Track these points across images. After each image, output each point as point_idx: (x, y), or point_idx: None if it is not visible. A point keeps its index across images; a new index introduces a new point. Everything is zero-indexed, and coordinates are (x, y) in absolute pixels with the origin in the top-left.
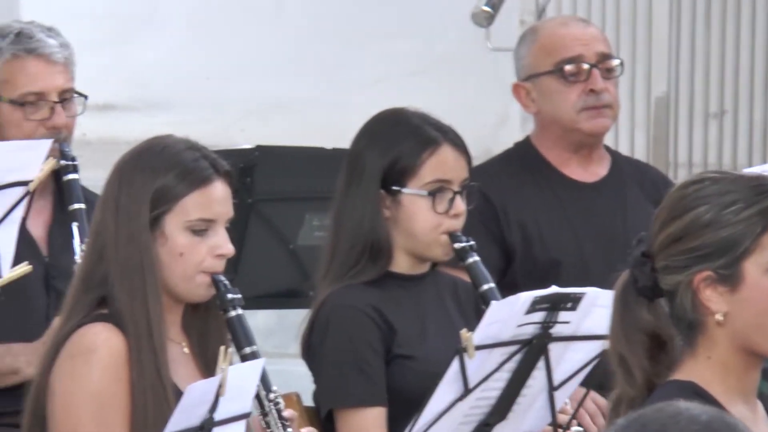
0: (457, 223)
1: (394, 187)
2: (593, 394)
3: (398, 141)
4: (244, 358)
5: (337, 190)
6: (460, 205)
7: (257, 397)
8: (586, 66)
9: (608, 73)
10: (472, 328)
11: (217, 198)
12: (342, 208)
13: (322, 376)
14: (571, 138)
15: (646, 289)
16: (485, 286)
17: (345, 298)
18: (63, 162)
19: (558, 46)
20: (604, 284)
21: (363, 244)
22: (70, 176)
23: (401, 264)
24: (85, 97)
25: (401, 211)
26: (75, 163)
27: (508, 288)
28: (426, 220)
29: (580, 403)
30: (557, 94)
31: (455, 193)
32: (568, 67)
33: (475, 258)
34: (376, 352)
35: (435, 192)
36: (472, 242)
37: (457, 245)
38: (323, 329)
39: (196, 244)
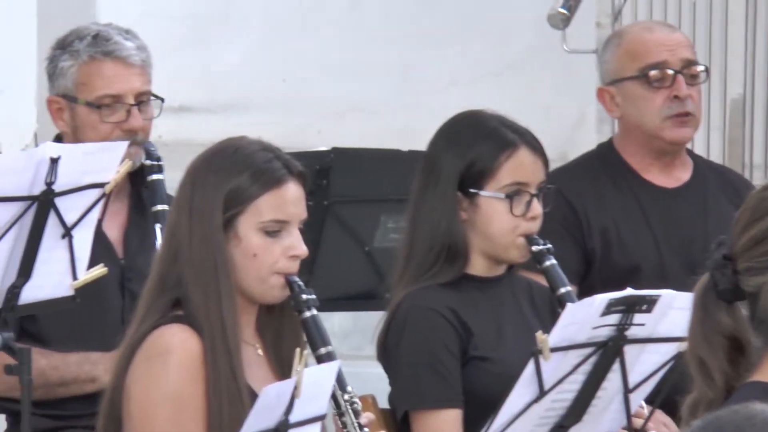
0: (534, 226)
1: (472, 190)
2: (659, 412)
3: (476, 143)
4: (320, 359)
5: (413, 191)
6: (537, 207)
7: (333, 397)
8: (670, 72)
9: (692, 79)
10: (547, 330)
11: (290, 199)
12: (418, 210)
13: (398, 378)
14: (653, 144)
15: (726, 291)
16: (562, 290)
17: (422, 300)
18: (148, 162)
19: (643, 51)
20: (683, 289)
21: (440, 246)
22: (155, 176)
23: (478, 266)
24: (162, 99)
25: (478, 213)
26: (160, 163)
27: (587, 292)
28: (503, 223)
29: (646, 421)
30: (642, 99)
31: (532, 195)
32: (652, 73)
33: (552, 261)
34: (451, 353)
35: (512, 195)
36: (549, 245)
37: (534, 248)
38: (399, 331)
39: (269, 245)
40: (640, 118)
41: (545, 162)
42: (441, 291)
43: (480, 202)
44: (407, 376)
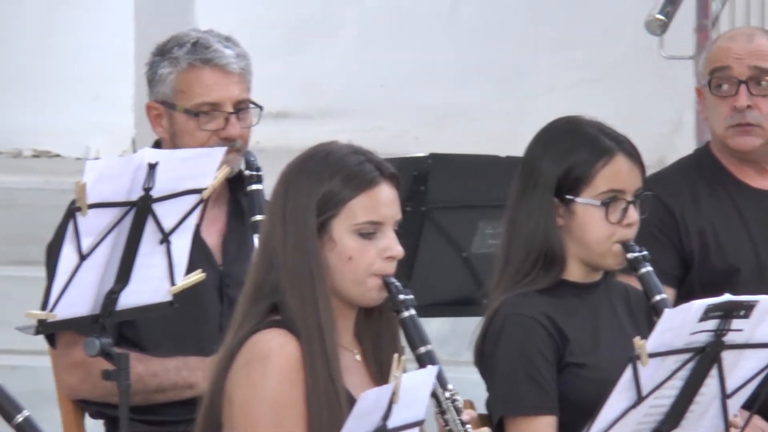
0: (630, 233)
1: (568, 196)
2: (757, 418)
3: (573, 150)
4: (419, 358)
5: (511, 197)
6: (633, 214)
7: (434, 395)
8: (734, 81)
9: (758, 87)
10: (643, 336)
11: (383, 200)
12: (516, 216)
13: (494, 384)
14: (727, 150)
15: None
16: (657, 297)
17: (518, 307)
18: (248, 172)
19: (714, 58)
20: None
21: (537, 252)
22: (254, 187)
23: (574, 272)
24: (261, 108)
25: (574, 220)
26: (260, 173)
27: (685, 296)
28: (598, 230)
29: (744, 427)
30: (713, 106)
31: (628, 202)
32: (717, 81)
33: (647, 268)
34: (547, 360)
35: (608, 202)
36: (645, 252)
37: (630, 255)
38: (496, 337)
39: (365, 247)
40: (711, 123)
41: (642, 169)
42: (538, 297)
43: (576, 208)
44: (503, 383)
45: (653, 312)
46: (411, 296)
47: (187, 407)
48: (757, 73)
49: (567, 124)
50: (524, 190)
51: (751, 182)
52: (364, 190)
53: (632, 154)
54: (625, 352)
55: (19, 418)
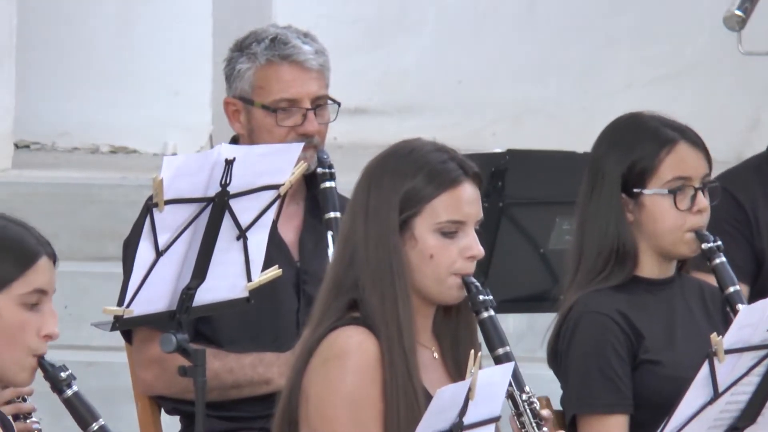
0: (701, 219)
1: (636, 190)
2: None
3: (636, 144)
4: (497, 360)
5: (580, 197)
6: (703, 200)
7: (511, 397)
8: None
9: None
10: (719, 332)
11: (466, 199)
12: (586, 215)
13: (568, 382)
14: None
15: None
16: (731, 288)
17: (592, 304)
18: (320, 170)
19: None
20: None
21: (608, 250)
22: (327, 184)
23: (647, 268)
24: (339, 104)
25: (644, 212)
26: (332, 171)
27: (759, 294)
28: (670, 219)
29: None
30: None
31: (696, 189)
32: None
33: (721, 259)
34: (622, 358)
35: (675, 190)
36: (719, 242)
37: (704, 245)
38: (570, 335)
39: (446, 246)
40: None
41: (707, 156)
42: (611, 294)
43: (645, 201)
44: (577, 381)
45: (726, 303)
46: (490, 297)
47: (263, 403)
48: None
49: (628, 119)
50: (592, 188)
51: None
52: (447, 188)
53: (695, 141)
54: (701, 348)
55: (95, 427)
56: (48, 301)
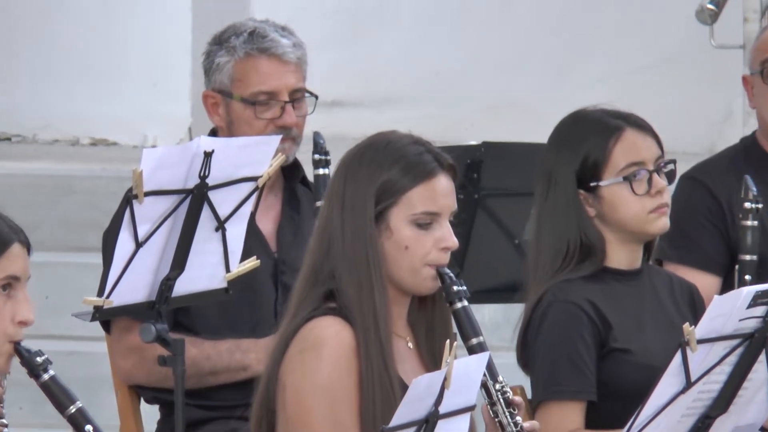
0: (662, 199)
1: (592, 184)
2: None
3: (584, 139)
4: (471, 350)
5: (535, 198)
6: (659, 181)
7: (485, 386)
8: None
9: None
10: (689, 322)
11: (441, 191)
12: (542, 216)
13: (536, 370)
14: None
15: None
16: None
17: (561, 294)
18: (316, 156)
19: (765, 47)
20: None
21: (570, 247)
22: (321, 171)
23: (616, 259)
24: (316, 96)
25: (604, 204)
26: (328, 158)
27: (731, 284)
28: (630, 205)
29: None
30: (763, 95)
31: (650, 172)
32: (765, 70)
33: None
34: (589, 346)
35: (631, 176)
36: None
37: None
38: (539, 324)
39: (421, 237)
40: (761, 112)
41: (657, 138)
42: (581, 284)
43: (603, 193)
44: (545, 368)
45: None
46: (464, 288)
47: (242, 392)
48: None
49: (571, 118)
50: (546, 190)
51: None
52: (422, 180)
53: (642, 125)
54: (670, 337)
55: (72, 409)
56: (22, 287)
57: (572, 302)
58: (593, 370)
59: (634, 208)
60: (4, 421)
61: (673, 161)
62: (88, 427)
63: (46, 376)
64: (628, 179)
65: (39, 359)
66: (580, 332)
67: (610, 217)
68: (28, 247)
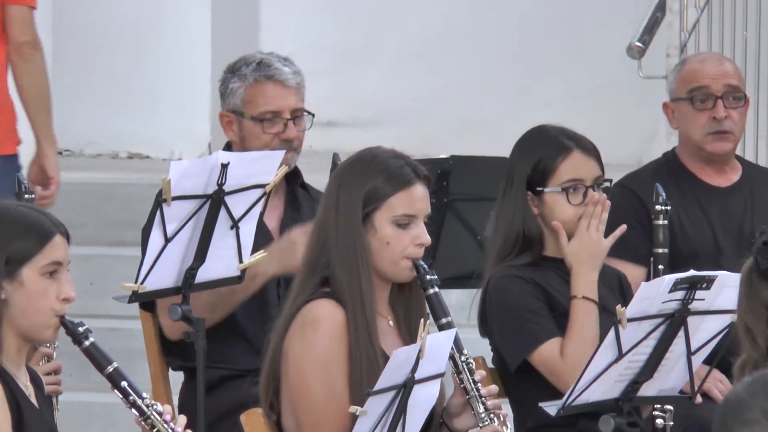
0: (597, 210)
1: (538, 188)
2: (715, 371)
3: (539, 151)
4: (441, 327)
5: (498, 195)
6: (594, 195)
7: (452, 358)
8: (712, 97)
9: (735, 102)
10: (619, 304)
11: (417, 197)
12: (500, 209)
13: (503, 337)
14: (701, 154)
15: (767, 271)
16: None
17: (503, 272)
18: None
19: (692, 78)
20: (735, 271)
21: (515, 237)
22: None
23: (552, 249)
24: (313, 115)
25: (545, 207)
26: None
27: (655, 274)
28: (565, 212)
29: (705, 378)
30: (690, 117)
31: (587, 187)
32: (697, 97)
33: None
34: (538, 299)
35: (569, 189)
36: None
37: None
38: (491, 299)
39: (400, 235)
40: (689, 132)
41: (599, 161)
42: (521, 268)
43: (545, 197)
44: (511, 330)
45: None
46: (435, 276)
47: (255, 358)
48: (729, 90)
49: (534, 131)
50: (506, 188)
51: (710, 181)
52: (402, 188)
53: (588, 149)
54: (602, 316)
55: (110, 369)
56: (64, 270)
57: (512, 275)
58: (549, 315)
59: (568, 214)
60: (59, 388)
61: (609, 180)
62: (124, 383)
63: (87, 343)
64: (566, 191)
65: (81, 329)
66: (526, 290)
67: (549, 219)
68: (67, 237)
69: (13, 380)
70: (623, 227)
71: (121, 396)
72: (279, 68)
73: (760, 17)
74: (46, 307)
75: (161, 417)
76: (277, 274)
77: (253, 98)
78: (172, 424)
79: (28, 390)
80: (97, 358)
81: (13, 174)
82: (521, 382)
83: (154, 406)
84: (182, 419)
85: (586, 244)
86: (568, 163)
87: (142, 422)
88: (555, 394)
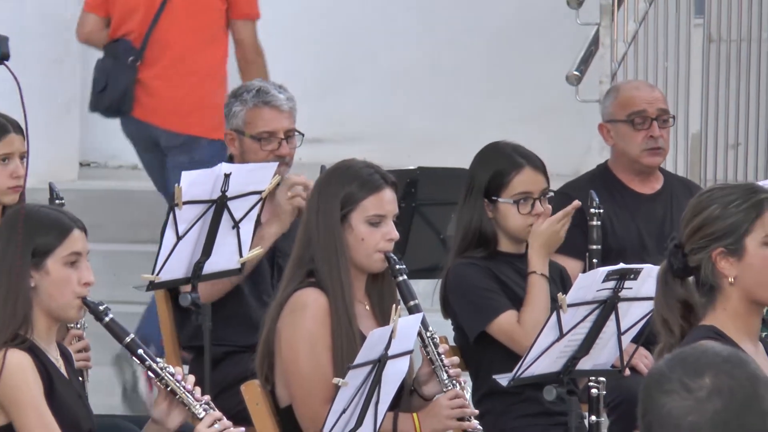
0: (540, 219)
1: (493, 197)
2: (641, 348)
3: (495, 165)
4: (410, 310)
5: (459, 199)
6: (539, 207)
7: (420, 335)
8: (648, 119)
9: (664, 123)
10: (560, 292)
11: (386, 200)
12: (461, 212)
13: (463, 315)
14: (635, 166)
15: (679, 270)
16: None
17: (459, 261)
18: None
19: (630, 103)
20: (656, 264)
21: (473, 235)
22: None
23: (505, 246)
24: (302, 134)
25: (498, 213)
26: None
27: (589, 267)
28: (516, 220)
29: (632, 354)
30: (628, 136)
31: (535, 199)
32: (636, 119)
33: None
34: (491, 279)
35: (518, 201)
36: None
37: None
38: (449, 283)
39: (373, 232)
40: (626, 149)
41: (546, 176)
42: (478, 259)
43: (498, 206)
44: (470, 306)
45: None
46: (404, 266)
47: (252, 337)
48: (661, 113)
49: (492, 147)
50: (466, 195)
51: (637, 189)
52: (373, 192)
53: (537, 165)
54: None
55: (128, 339)
56: (83, 259)
57: (468, 262)
58: (501, 293)
59: (517, 222)
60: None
61: (552, 191)
62: (140, 350)
63: (107, 318)
64: (517, 203)
65: (101, 307)
66: (479, 273)
67: (501, 224)
68: (84, 231)
69: (44, 354)
70: (576, 202)
71: (138, 361)
72: (275, 95)
73: (678, 50)
74: (69, 291)
75: (173, 377)
76: (279, 232)
77: (252, 120)
78: (183, 382)
79: (59, 363)
80: (116, 331)
81: (222, 157)
82: (478, 353)
83: (167, 368)
84: (191, 378)
85: (549, 232)
86: (520, 178)
87: (158, 382)
88: (507, 366)
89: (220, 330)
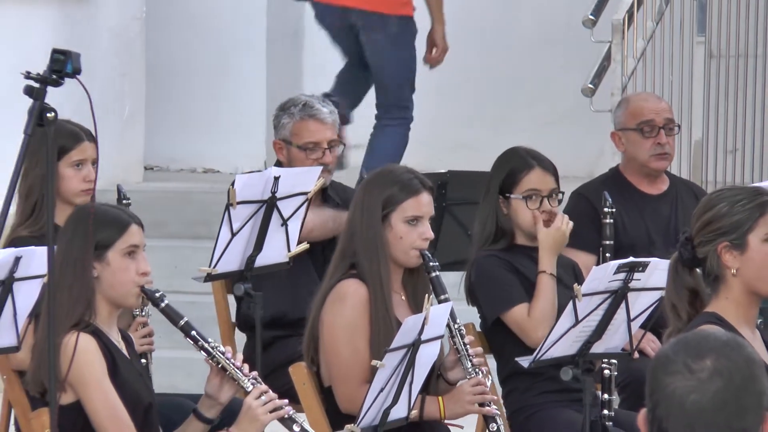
0: (548, 216)
1: (507, 195)
2: (649, 333)
3: (508, 166)
4: (441, 302)
5: (481, 197)
6: (547, 204)
7: (448, 325)
8: (656, 127)
9: (670, 131)
10: (575, 284)
11: (424, 202)
12: (481, 209)
13: (484, 302)
14: (643, 170)
15: (688, 260)
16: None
17: (481, 254)
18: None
19: (639, 113)
20: (663, 258)
21: (491, 230)
22: None
23: (521, 239)
24: (345, 144)
25: (511, 209)
26: None
27: (602, 260)
28: (525, 215)
29: (641, 339)
30: (637, 143)
31: (543, 197)
32: (645, 128)
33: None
34: (510, 271)
35: (527, 197)
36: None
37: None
38: (473, 275)
39: (410, 231)
40: (636, 154)
41: (555, 176)
42: (497, 251)
43: (511, 202)
44: (489, 295)
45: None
46: (437, 263)
47: (300, 323)
48: (667, 122)
49: (510, 150)
50: (485, 193)
51: (645, 190)
52: (412, 195)
53: (547, 167)
54: (561, 292)
55: (182, 322)
56: (140, 251)
57: (489, 254)
58: (519, 286)
59: (527, 217)
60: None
61: (562, 192)
62: (193, 332)
63: (162, 304)
64: (525, 199)
65: (157, 294)
66: (501, 265)
67: (513, 219)
68: (141, 226)
69: (107, 336)
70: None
71: (191, 342)
72: (319, 109)
73: (682, 65)
74: (128, 280)
75: (224, 355)
76: None
77: (299, 132)
78: (233, 360)
79: (120, 345)
80: (171, 315)
81: (413, 33)
82: (500, 336)
83: (218, 348)
84: (240, 356)
85: (556, 234)
86: (530, 177)
87: (210, 360)
88: (524, 349)
89: (271, 316)
